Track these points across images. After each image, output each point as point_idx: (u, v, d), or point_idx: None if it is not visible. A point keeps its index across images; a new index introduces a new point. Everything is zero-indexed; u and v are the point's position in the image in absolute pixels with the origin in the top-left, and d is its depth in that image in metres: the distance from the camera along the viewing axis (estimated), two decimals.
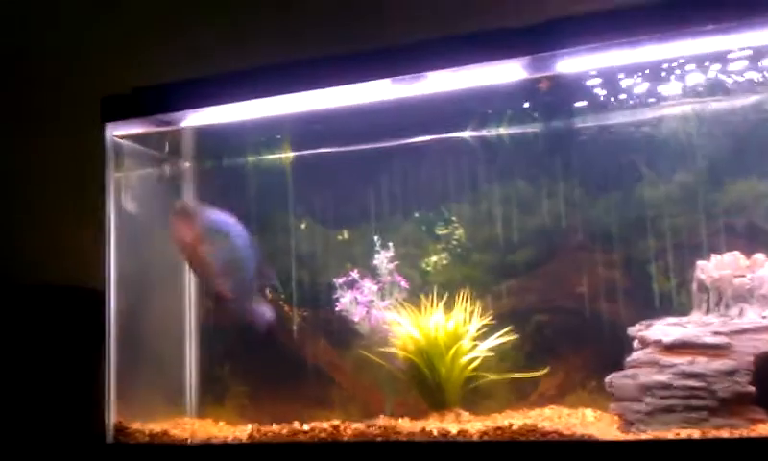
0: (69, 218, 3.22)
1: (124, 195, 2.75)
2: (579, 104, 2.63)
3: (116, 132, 2.73)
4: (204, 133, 2.89)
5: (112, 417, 2.58)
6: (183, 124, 2.78)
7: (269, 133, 2.93)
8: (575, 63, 2.42)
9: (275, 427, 2.43)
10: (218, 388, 2.90)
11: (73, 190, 3.21)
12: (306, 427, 2.39)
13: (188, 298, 2.98)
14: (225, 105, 2.64)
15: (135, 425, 2.57)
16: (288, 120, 2.79)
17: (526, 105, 2.68)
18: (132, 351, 2.67)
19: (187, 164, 3.07)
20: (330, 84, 2.47)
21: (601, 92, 2.58)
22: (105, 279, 2.62)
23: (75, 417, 2.76)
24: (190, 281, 2.98)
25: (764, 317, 2.17)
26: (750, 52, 2.38)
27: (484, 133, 2.77)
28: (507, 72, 2.41)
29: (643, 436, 2.06)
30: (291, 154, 2.98)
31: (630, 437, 2.09)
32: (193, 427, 2.66)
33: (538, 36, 2.26)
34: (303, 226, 2.95)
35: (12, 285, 2.93)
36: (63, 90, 3.33)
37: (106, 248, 2.63)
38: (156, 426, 2.58)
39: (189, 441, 2.49)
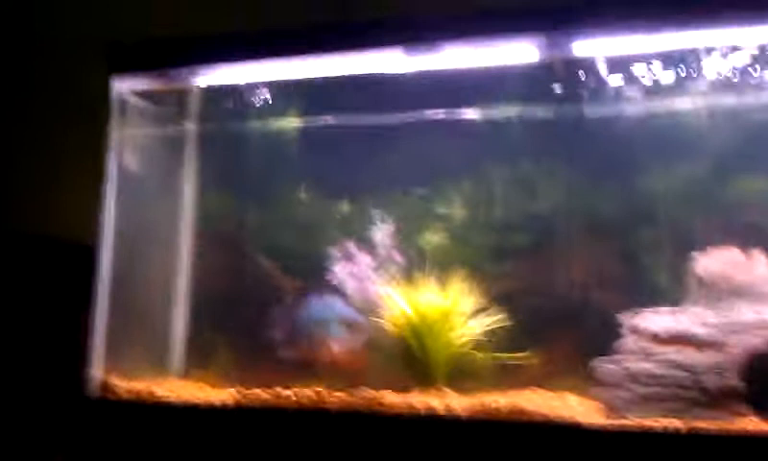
0: (74, 173, 3.21)
1: (126, 152, 2.74)
2: (590, 89, 2.60)
3: (123, 86, 2.72)
4: (211, 94, 2.88)
5: (98, 373, 2.58)
6: (193, 82, 2.79)
7: (276, 98, 2.91)
8: (587, 47, 2.41)
9: (257, 391, 2.42)
10: (205, 351, 2.89)
11: (82, 145, 3.19)
12: (289, 393, 2.38)
13: (182, 261, 2.97)
14: (233, 65, 2.65)
15: (120, 383, 2.57)
16: (298, 86, 2.77)
17: (536, 86, 2.65)
18: (122, 309, 2.66)
19: (191, 125, 3.04)
20: (341, 51, 2.47)
21: (614, 79, 2.56)
22: (98, 234, 2.62)
23: (60, 371, 2.75)
24: (185, 244, 2.97)
25: (757, 313, 2.14)
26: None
27: (492, 112, 2.75)
28: (518, 51, 2.40)
29: (625, 422, 2.04)
30: (297, 120, 2.95)
31: (612, 423, 2.07)
32: (177, 388, 2.65)
33: (551, 17, 2.25)
34: (303, 195, 2.94)
35: (7, 231, 2.93)
36: (74, 39, 3.30)
37: (102, 204, 2.63)
38: (140, 385, 2.58)
39: (174, 400, 2.48)
